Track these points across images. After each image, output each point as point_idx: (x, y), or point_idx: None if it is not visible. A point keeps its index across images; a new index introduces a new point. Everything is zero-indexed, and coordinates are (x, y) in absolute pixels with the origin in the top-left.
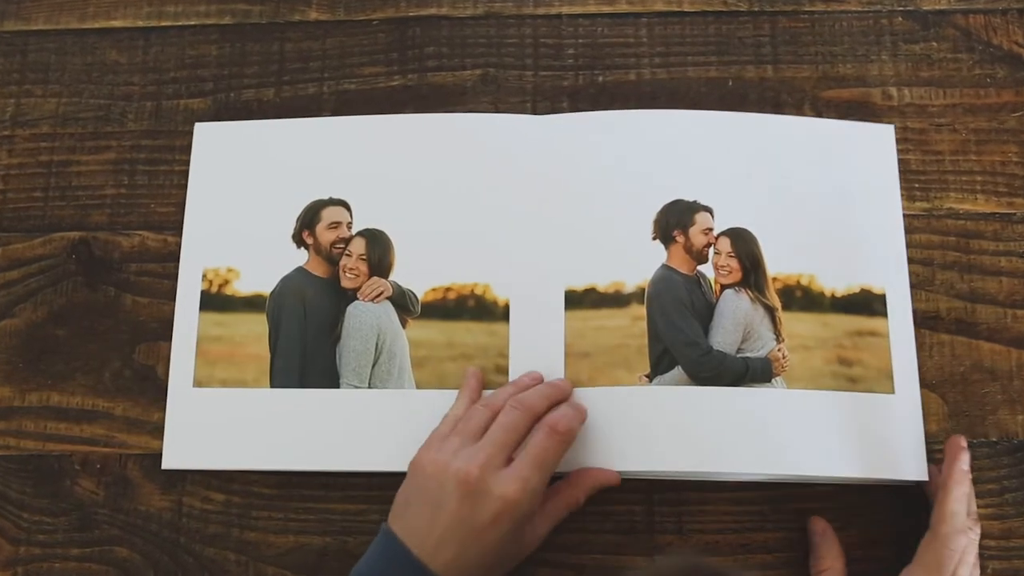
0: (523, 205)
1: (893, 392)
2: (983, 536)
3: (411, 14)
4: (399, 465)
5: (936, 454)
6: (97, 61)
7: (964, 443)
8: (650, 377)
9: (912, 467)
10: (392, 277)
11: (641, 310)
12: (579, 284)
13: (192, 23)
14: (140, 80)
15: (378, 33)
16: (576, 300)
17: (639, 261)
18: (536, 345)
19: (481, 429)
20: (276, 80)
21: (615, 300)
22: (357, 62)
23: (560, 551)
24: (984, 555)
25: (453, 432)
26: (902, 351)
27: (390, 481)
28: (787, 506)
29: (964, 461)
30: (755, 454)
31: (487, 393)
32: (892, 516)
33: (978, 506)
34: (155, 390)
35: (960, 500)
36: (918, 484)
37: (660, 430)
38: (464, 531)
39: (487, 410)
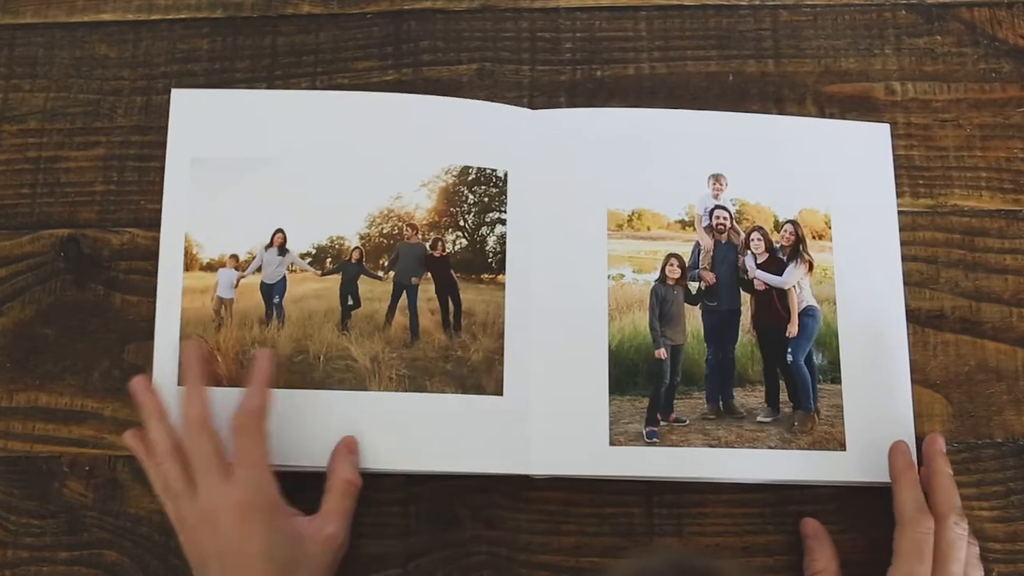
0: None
1: (887, 391)
2: (988, 539)
3: (406, 7)
4: (395, 464)
5: None
6: (86, 55)
7: (937, 440)
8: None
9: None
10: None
11: None
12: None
13: (183, 16)
14: (130, 74)
15: (372, 27)
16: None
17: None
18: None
19: (185, 479)
20: (268, 74)
21: None
22: (351, 56)
23: (558, 554)
24: (989, 558)
25: (172, 502)
26: (894, 354)
27: (384, 483)
28: (787, 508)
29: (905, 452)
30: (756, 463)
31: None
32: (890, 519)
33: (983, 509)
34: None
35: (910, 484)
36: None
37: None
38: (232, 560)
39: (170, 461)
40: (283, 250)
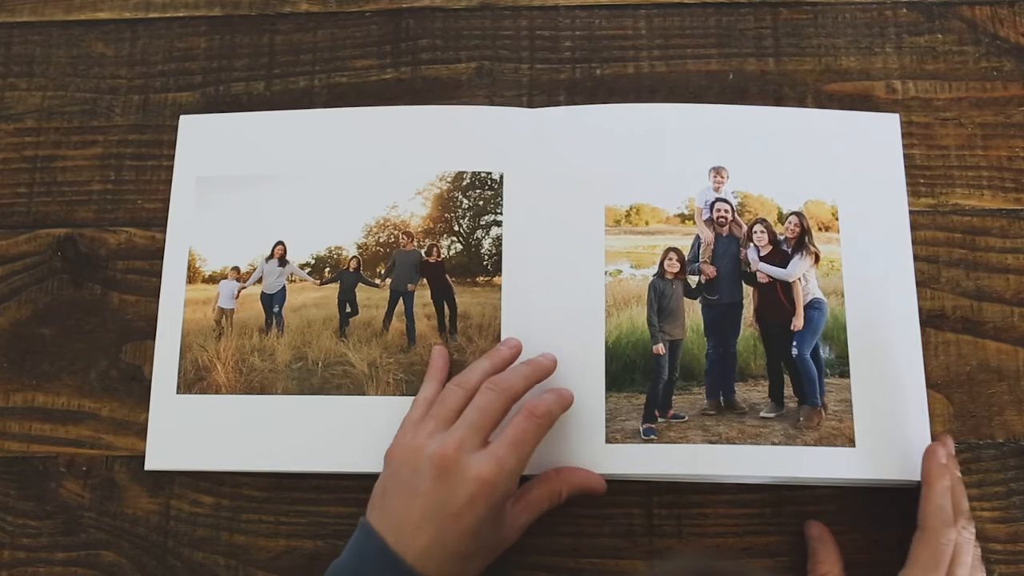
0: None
1: (899, 386)
2: (989, 540)
3: (404, 5)
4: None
5: None
6: (83, 54)
7: (947, 441)
8: None
9: (913, 468)
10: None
11: None
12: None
13: (180, 15)
14: (127, 73)
15: (371, 25)
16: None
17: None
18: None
19: (456, 411)
20: (266, 73)
21: None
22: (349, 55)
23: (557, 555)
24: (991, 559)
25: (427, 416)
26: (907, 348)
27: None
28: (788, 509)
29: (942, 455)
30: (759, 459)
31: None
32: (893, 520)
33: (984, 509)
34: (142, 391)
35: (943, 493)
36: (918, 487)
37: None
38: (441, 514)
39: (461, 391)
40: (283, 261)
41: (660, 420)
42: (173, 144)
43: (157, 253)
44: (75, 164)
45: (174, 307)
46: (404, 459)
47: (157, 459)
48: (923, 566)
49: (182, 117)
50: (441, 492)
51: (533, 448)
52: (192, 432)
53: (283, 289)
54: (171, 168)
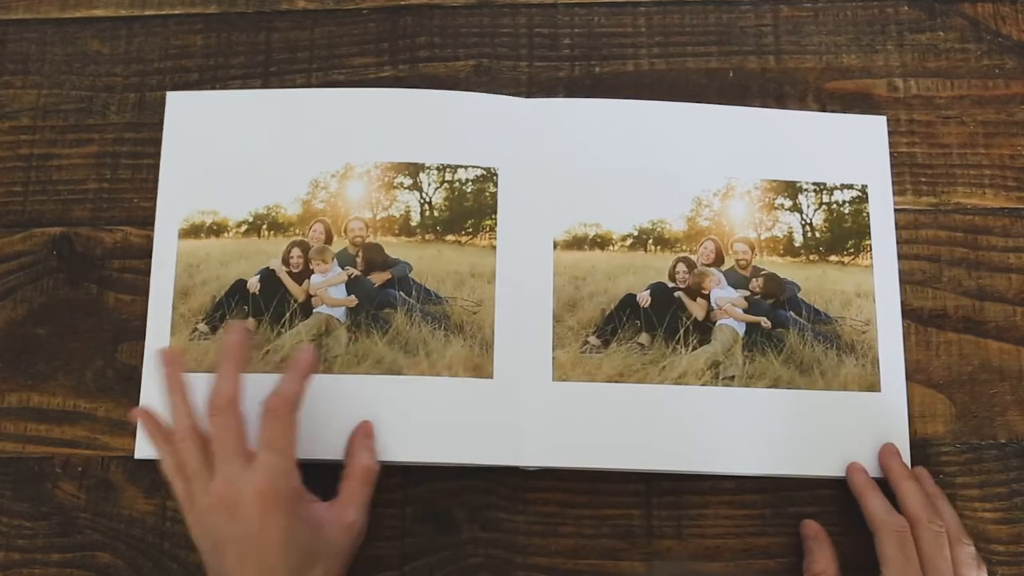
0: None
1: (879, 390)
2: (992, 541)
3: (402, 3)
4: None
5: (942, 456)
6: (78, 51)
7: (890, 449)
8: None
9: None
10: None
11: None
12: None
13: (176, 12)
14: (123, 71)
15: (368, 22)
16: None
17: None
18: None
19: (200, 456)
20: (263, 71)
21: None
22: (346, 52)
23: (555, 556)
24: (992, 560)
25: (183, 482)
26: (889, 347)
27: (380, 484)
28: (788, 510)
29: (862, 470)
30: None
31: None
32: None
33: (987, 510)
34: (138, 391)
35: (874, 498)
36: None
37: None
38: (250, 546)
39: (188, 441)
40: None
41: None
42: None
43: (153, 252)
44: (70, 162)
45: (163, 297)
46: (199, 532)
47: (147, 448)
48: (893, 560)
49: (169, 94)
50: (238, 528)
51: (293, 438)
52: None
53: None
54: None
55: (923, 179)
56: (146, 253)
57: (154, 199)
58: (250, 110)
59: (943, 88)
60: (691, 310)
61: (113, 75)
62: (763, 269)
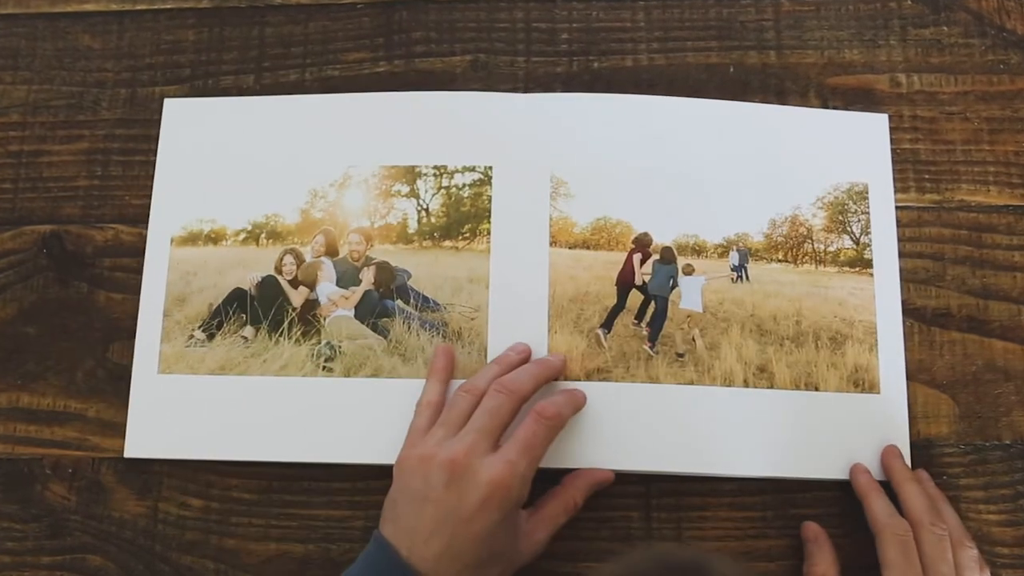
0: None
1: (879, 392)
2: (996, 543)
3: None
4: (377, 457)
5: (946, 457)
6: (69, 46)
7: (893, 451)
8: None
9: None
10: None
11: None
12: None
13: (168, 7)
14: (114, 66)
15: (363, 17)
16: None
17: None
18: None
19: (464, 417)
20: (256, 66)
21: None
22: (341, 47)
23: (554, 559)
24: (997, 564)
25: (436, 424)
26: (890, 347)
27: (375, 486)
28: (789, 512)
29: (865, 471)
30: (749, 456)
31: (461, 380)
32: None
33: (991, 512)
34: (129, 391)
35: (877, 500)
36: None
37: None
38: (453, 520)
39: (470, 396)
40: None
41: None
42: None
43: (144, 250)
44: (61, 159)
45: (155, 297)
46: (414, 468)
47: (138, 447)
48: (895, 563)
49: (166, 100)
50: (453, 498)
51: (544, 450)
52: (175, 417)
53: None
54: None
55: (926, 176)
56: (138, 251)
57: (146, 197)
58: (246, 117)
59: (947, 84)
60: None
61: (104, 71)
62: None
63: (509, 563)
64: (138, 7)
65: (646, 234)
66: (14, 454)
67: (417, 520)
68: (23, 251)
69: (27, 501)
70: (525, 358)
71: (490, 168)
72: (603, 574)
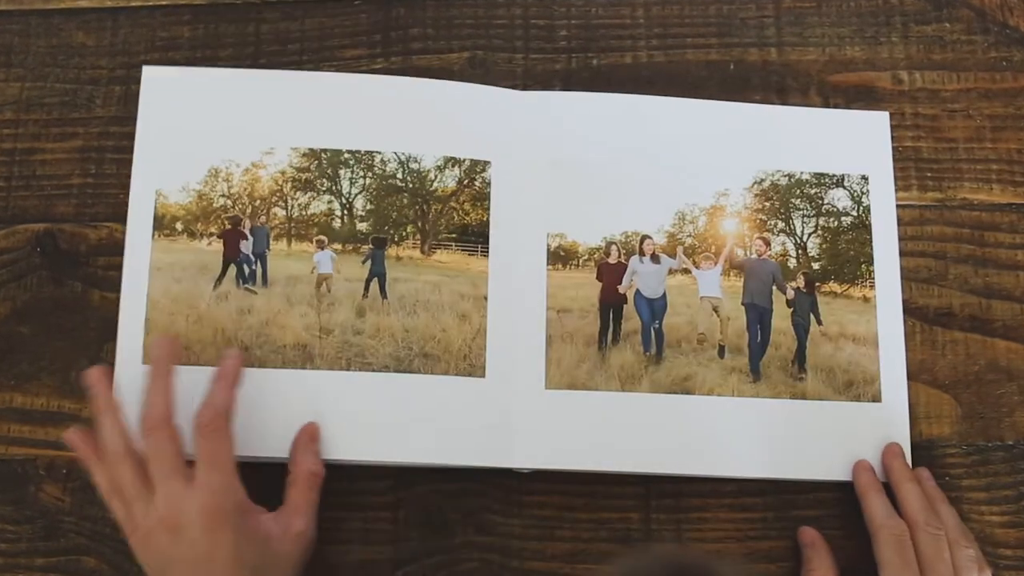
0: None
1: (880, 392)
2: (999, 545)
3: None
4: (373, 456)
5: (948, 458)
6: (63, 43)
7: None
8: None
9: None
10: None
11: None
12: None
13: (163, 3)
14: (108, 63)
15: (360, 13)
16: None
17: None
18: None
19: (138, 478)
20: (252, 63)
21: None
22: (338, 44)
23: (551, 560)
24: (1000, 565)
25: (122, 505)
26: (890, 346)
27: (371, 487)
28: (790, 514)
29: (869, 469)
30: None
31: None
32: None
33: (993, 513)
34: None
35: (875, 499)
36: None
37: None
38: (198, 565)
39: (123, 463)
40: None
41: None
42: None
43: None
44: (54, 157)
45: (137, 287)
46: (144, 555)
47: None
48: (890, 563)
49: (144, 68)
50: (184, 549)
51: (231, 450)
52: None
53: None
54: None
55: (928, 174)
56: None
57: None
58: (236, 91)
59: (949, 81)
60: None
61: (98, 67)
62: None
63: (280, 569)
64: (132, 3)
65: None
66: (8, 455)
67: None
68: (16, 250)
69: (21, 502)
70: (167, 350)
71: (487, 162)
72: (611, 574)
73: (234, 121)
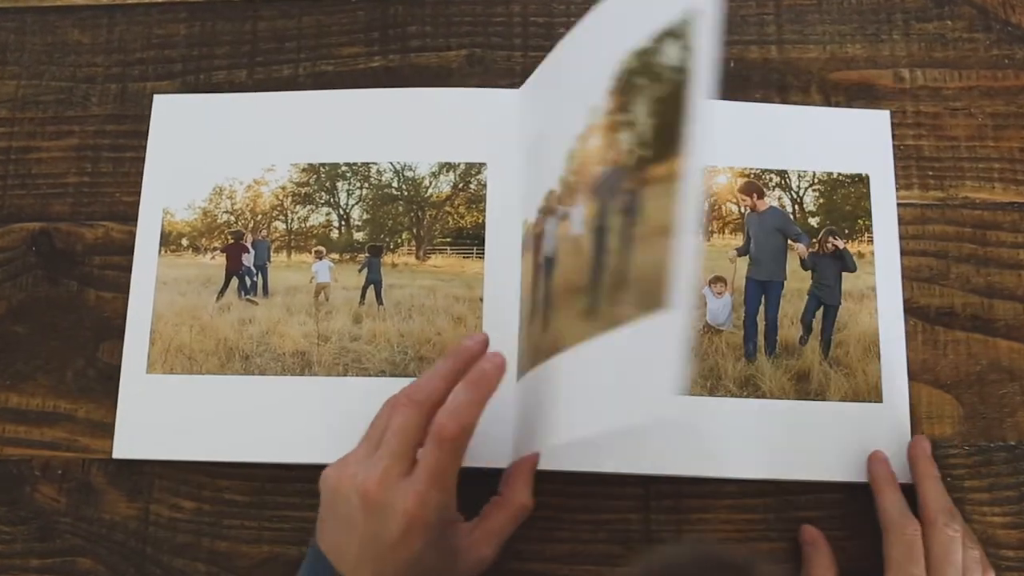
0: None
1: (881, 393)
2: (1001, 546)
3: None
4: None
5: (950, 458)
6: (58, 41)
7: (920, 442)
8: None
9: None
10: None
11: None
12: None
13: (159, 0)
14: (104, 61)
15: (357, 11)
16: None
17: None
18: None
19: (382, 432)
20: (249, 61)
21: None
22: (335, 42)
23: (551, 561)
24: (1001, 566)
25: (363, 439)
26: (891, 346)
27: None
28: (791, 514)
29: (884, 461)
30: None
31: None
32: None
33: (995, 514)
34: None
35: (891, 496)
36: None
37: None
38: (377, 548)
39: (387, 407)
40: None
41: None
42: None
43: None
44: (50, 156)
45: (145, 293)
46: (334, 487)
47: (126, 447)
48: (899, 563)
49: (156, 96)
50: (373, 526)
51: (456, 471)
52: (165, 416)
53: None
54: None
55: (930, 173)
56: (128, 249)
57: (137, 194)
58: (238, 113)
59: (951, 79)
60: None
61: (94, 65)
62: None
63: None
64: (129, 1)
65: None
66: (3, 455)
67: (346, 544)
68: (12, 249)
69: (16, 503)
70: (480, 350)
71: (484, 162)
72: (640, 568)
73: (237, 141)
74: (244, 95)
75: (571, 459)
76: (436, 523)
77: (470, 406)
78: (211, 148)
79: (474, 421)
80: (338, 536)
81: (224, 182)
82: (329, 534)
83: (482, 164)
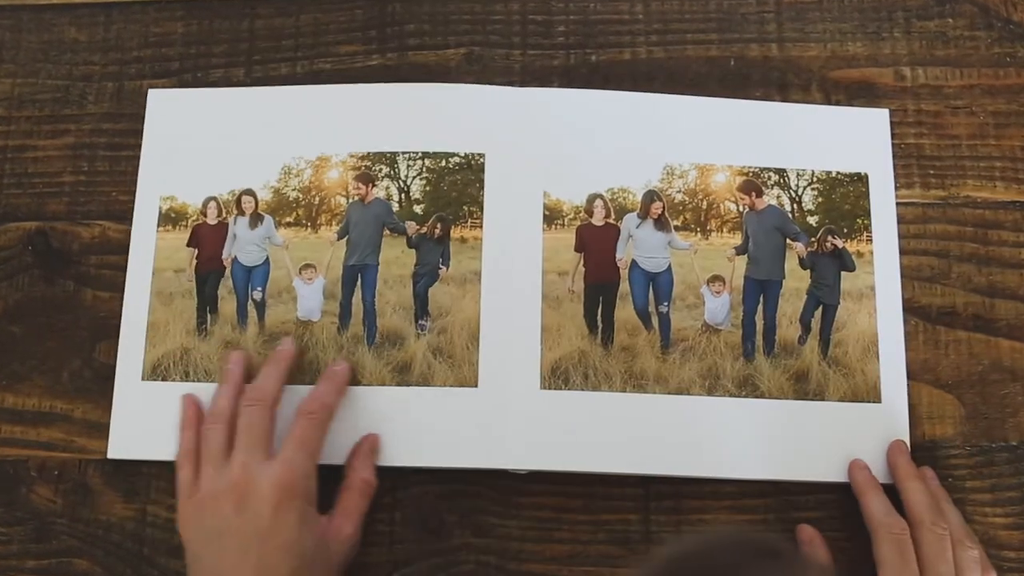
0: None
1: (880, 393)
2: (1002, 547)
3: None
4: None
5: (951, 459)
6: (55, 39)
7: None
8: None
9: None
10: None
11: None
12: None
13: None
14: (101, 59)
15: (355, 9)
16: None
17: None
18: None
19: (224, 446)
20: (246, 59)
21: None
22: (333, 40)
23: (549, 563)
24: (1004, 568)
25: (191, 467)
26: (890, 345)
27: None
28: (790, 514)
29: (864, 468)
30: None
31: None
32: None
33: (997, 515)
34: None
35: (875, 496)
36: None
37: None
38: (255, 540)
39: (219, 424)
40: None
41: None
42: None
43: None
44: (46, 154)
45: (140, 294)
46: (195, 520)
47: (121, 448)
48: (890, 564)
49: (151, 91)
50: (247, 519)
51: (320, 443)
52: (161, 417)
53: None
54: None
55: (931, 171)
56: (125, 249)
57: (133, 192)
58: (233, 108)
59: (952, 77)
60: None
61: (91, 64)
62: None
63: (325, 568)
64: None
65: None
66: None
67: (220, 558)
68: (8, 248)
69: (12, 504)
70: (292, 352)
71: (483, 162)
72: (680, 548)
73: (234, 136)
74: (240, 89)
75: (571, 459)
76: (303, 492)
77: (328, 394)
78: (207, 144)
79: (334, 403)
80: (211, 559)
81: (223, 179)
82: (203, 567)
83: (482, 161)
